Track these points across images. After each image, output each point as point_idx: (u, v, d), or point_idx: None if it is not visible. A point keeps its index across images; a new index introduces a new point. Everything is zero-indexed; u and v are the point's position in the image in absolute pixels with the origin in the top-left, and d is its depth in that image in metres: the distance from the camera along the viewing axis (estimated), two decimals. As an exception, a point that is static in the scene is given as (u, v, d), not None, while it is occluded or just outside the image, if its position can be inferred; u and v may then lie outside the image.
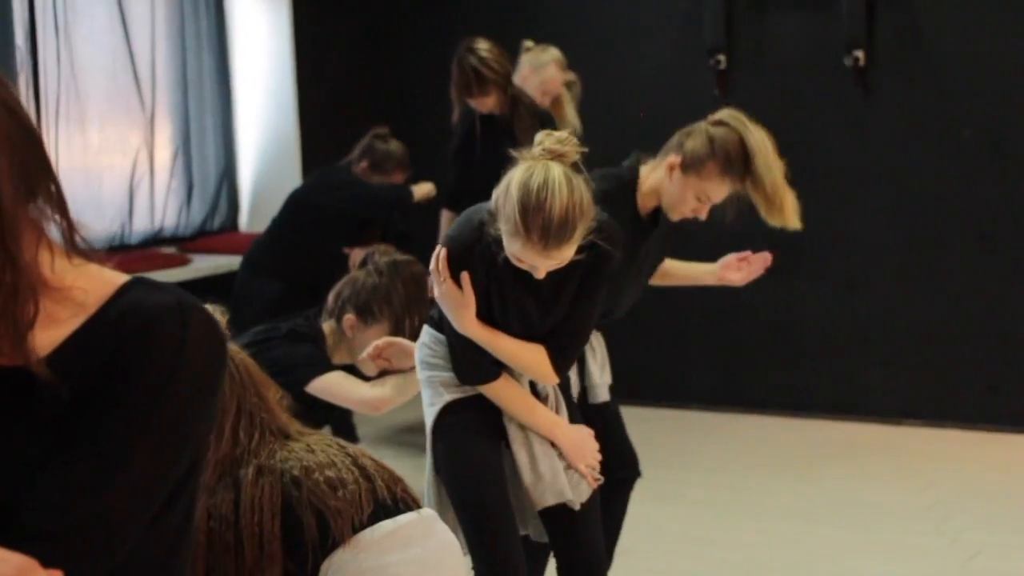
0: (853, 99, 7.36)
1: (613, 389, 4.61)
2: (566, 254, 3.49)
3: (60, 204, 1.77)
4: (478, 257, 3.59)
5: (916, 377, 7.37)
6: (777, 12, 7.50)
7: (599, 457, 3.82)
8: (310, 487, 2.79)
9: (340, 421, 6.98)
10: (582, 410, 4.40)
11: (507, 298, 3.64)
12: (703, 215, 4.35)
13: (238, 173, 7.91)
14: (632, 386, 7.53)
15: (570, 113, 6.76)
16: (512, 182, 3.47)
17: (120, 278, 1.83)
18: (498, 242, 3.54)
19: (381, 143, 6.77)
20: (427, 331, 3.84)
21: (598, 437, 4.04)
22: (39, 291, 1.73)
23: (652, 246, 4.48)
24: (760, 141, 4.20)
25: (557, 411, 3.81)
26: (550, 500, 3.73)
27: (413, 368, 4.11)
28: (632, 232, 4.24)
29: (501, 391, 3.72)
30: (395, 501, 2.89)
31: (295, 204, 6.77)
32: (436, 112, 7.32)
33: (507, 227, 3.47)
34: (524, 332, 3.69)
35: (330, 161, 6.93)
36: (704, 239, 5.51)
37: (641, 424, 7.46)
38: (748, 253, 4.77)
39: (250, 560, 2.76)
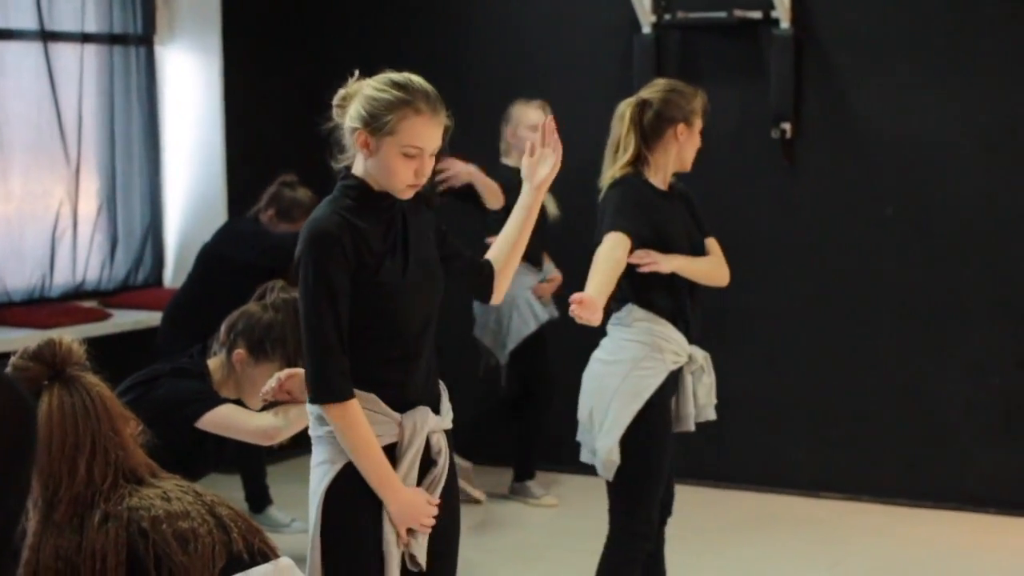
0: (780, 171, 7.38)
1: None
2: (444, 123, 3.59)
3: None
4: (345, 237, 3.52)
5: (836, 450, 7.37)
6: (707, 82, 7.46)
7: (431, 520, 3.62)
8: (156, 539, 2.73)
9: (254, 484, 6.91)
10: None
11: (395, 249, 3.62)
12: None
13: (164, 228, 7.88)
14: (549, 453, 7.50)
15: None
16: (363, 95, 3.57)
17: None
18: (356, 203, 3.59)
19: (288, 191, 6.73)
20: None
21: None
22: None
23: (689, 215, 5.03)
24: None
25: (441, 472, 3.67)
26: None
27: None
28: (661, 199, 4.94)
29: (351, 420, 3.52)
30: (251, 553, 2.83)
31: (204, 258, 6.77)
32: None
33: (393, 117, 3.50)
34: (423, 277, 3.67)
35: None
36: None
37: (556, 491, 7.44)
38: None
39: None
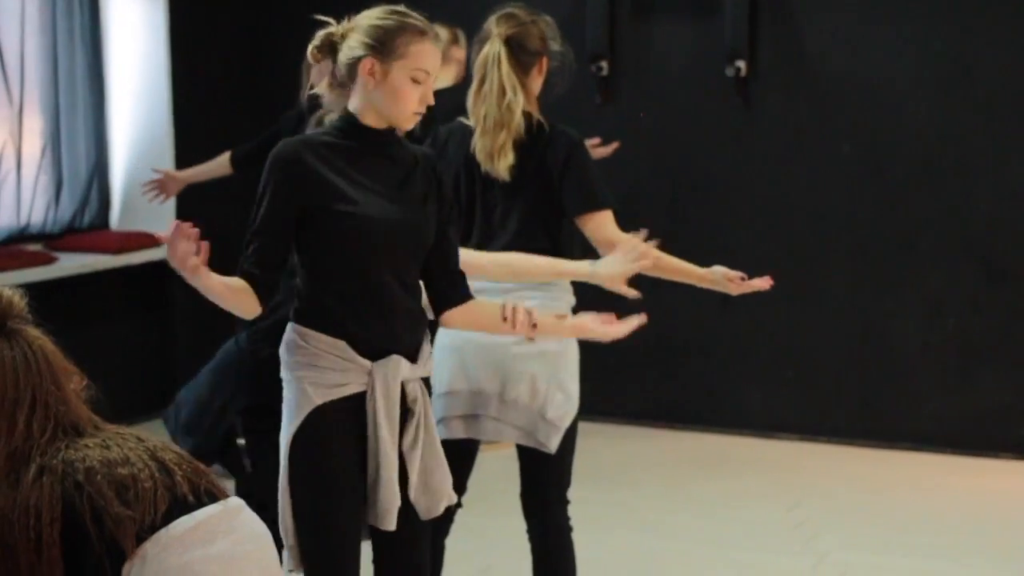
0: (734, 109, 7.31)
1: None
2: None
3: None
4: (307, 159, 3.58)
5: (791, 391, 7.35)
6: (660, 20, 7.44)
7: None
8: (91, 492, 2.65)
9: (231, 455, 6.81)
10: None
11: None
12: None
13: (110, 170, 7.73)
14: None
15: None
16: (365, 24, 3.62)
17: None
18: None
19: None
20: (293, 327, 3.61)
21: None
22: None
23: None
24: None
25: (419, 421, 3.61)
26: (371, 520, 3.60)
27: None
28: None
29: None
30: (197, 495, 2.76)
31: None
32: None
33: (402, 39, 3.54)
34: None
35: (202, 158, 6.74)
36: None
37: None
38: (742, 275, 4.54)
39: (24, 565, 2.63)
